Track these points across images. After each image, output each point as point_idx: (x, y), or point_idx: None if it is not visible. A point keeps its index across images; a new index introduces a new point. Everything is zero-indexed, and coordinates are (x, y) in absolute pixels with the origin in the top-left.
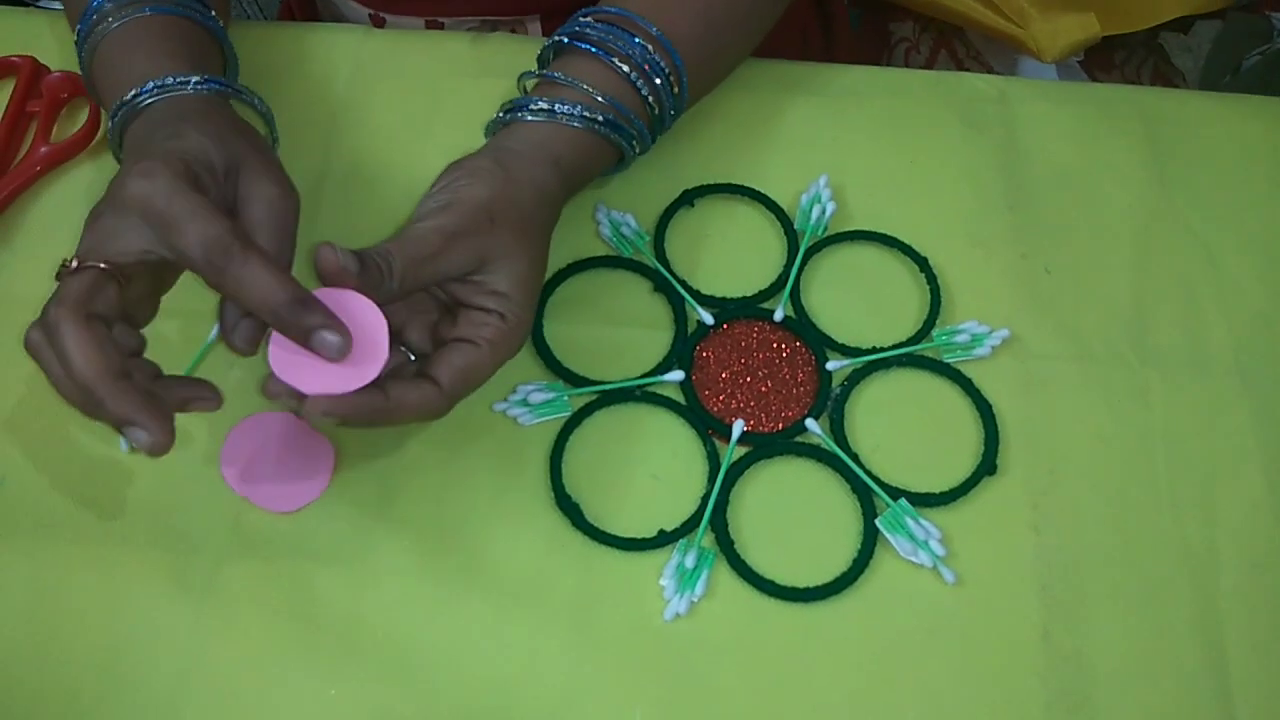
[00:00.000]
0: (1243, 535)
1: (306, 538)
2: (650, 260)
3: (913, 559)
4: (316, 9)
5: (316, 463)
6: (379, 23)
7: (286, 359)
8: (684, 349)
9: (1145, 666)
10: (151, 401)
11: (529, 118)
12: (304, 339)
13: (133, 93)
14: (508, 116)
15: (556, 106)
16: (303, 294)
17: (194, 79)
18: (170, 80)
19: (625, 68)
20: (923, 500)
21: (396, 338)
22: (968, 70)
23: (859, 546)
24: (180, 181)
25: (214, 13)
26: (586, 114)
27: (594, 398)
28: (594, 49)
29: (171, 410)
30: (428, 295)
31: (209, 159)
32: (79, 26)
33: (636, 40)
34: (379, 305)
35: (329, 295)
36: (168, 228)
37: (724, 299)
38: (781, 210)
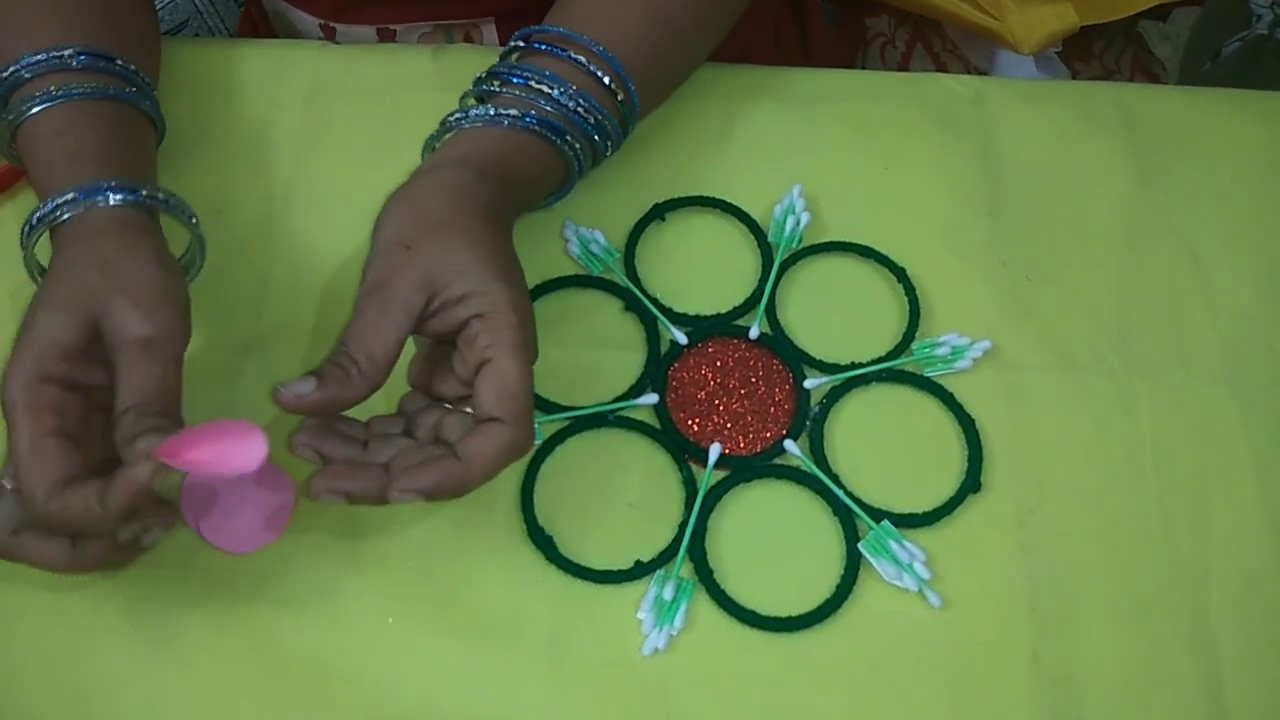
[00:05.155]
0: (1235, 547)
1: (269, 580)
2: (621, 278)
3: (897, 583)
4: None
5: (277, 500)
6: (329, 33)
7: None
8: (657, 371)
9: (1137, 687)
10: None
11: (464, 125)
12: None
13: (37, 215)
14: (440, 130)
15: (471, 112)
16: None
17: (108, 199)
18: (77, 196)
19: (547, 124)
20: (906, 521)
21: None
22: (944, 64)
23: (842, 572)
24: (29, 429)
25: (143, 73)
26: (501, 111)
27: (566, 424)
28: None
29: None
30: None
31: (61, 341)
32: None
33: (560, 91)
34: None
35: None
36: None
37: (697, 317)
38: (755, 222)
